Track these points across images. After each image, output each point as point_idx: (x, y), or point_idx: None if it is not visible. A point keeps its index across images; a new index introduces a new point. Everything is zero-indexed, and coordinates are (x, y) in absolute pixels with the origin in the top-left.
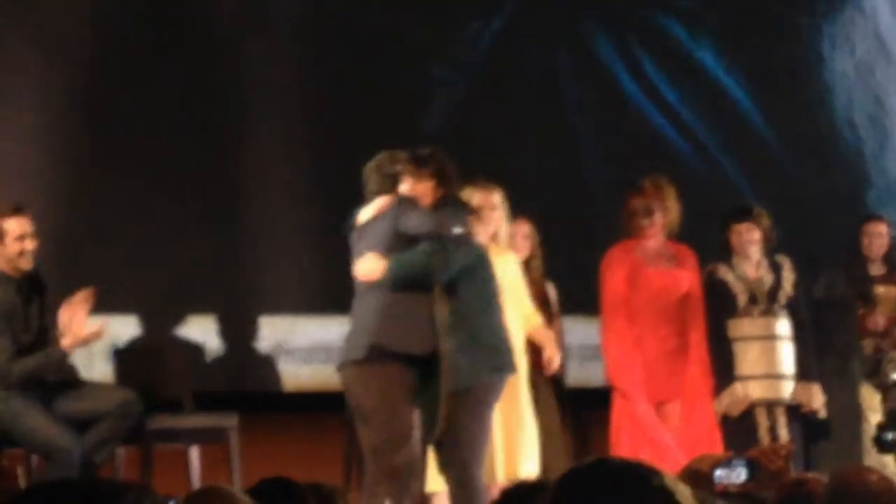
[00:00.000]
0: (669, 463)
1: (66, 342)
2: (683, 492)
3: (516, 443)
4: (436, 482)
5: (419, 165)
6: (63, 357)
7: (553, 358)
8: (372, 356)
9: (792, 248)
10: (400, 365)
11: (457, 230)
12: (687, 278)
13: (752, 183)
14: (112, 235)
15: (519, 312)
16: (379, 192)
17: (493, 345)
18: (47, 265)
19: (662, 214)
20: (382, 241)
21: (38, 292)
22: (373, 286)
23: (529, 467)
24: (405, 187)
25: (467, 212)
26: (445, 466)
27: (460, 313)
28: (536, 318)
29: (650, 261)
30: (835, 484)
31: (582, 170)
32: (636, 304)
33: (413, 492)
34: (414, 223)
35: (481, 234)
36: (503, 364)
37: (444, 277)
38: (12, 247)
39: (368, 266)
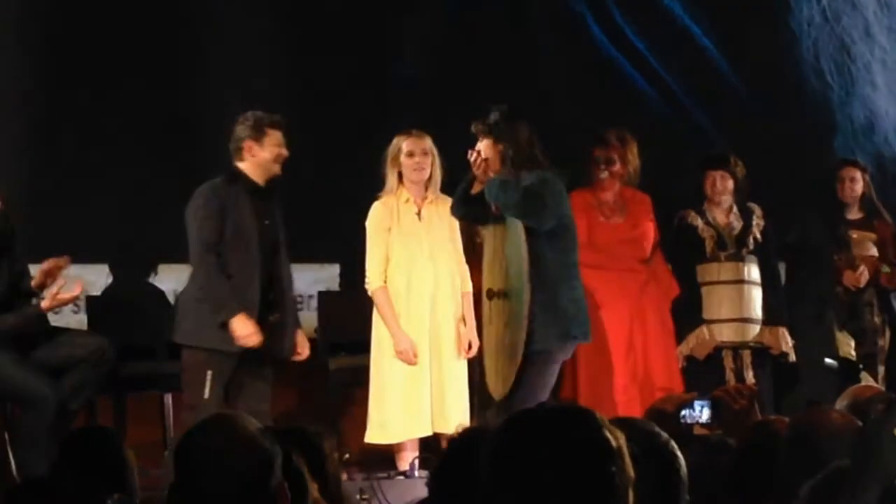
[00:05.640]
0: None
1: (45, 304)
2: (620, 437)
3: (446, 395)
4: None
5: (484, 129)
6: (39, 318)
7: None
8: None
9: (758, 194)
10: None
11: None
12: (640, 225)
13: (719, 129)
14: (85, 186)
15: (457, 260)
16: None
17: (570, 312)
18: (19, 215)
19: (622, 166)
20: None
21: (7, 239)
22: None
23: (459, 419)
24: (481, 147)
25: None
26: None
27: (542, 278)
28: (467, 284)
29: (606, 214)
30: (796, 424)
31: (552, 116)
32: (594, 254)
33: None
34: None
35: (418, 181)
36: (573, 333)
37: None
38: None
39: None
